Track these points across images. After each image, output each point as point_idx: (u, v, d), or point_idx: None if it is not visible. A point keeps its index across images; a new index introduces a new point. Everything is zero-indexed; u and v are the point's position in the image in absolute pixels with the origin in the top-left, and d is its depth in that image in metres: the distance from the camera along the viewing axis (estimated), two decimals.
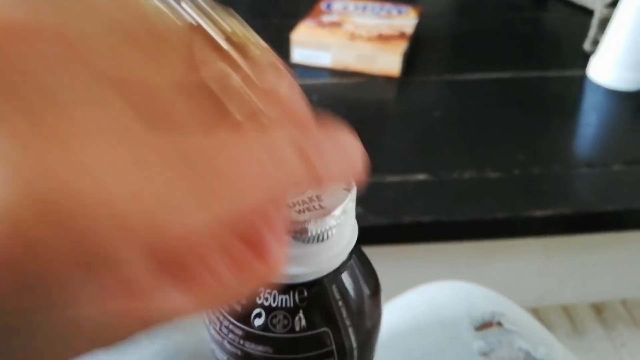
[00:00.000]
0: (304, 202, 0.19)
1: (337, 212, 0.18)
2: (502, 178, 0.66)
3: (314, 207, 0.18)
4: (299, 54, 0.86)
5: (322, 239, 0.18)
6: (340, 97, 0.82)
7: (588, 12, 0.94)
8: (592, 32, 0.90)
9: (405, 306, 0.37)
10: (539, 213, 0.62)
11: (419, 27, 0.92)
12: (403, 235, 0.64)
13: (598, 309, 1.03)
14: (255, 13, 1.02)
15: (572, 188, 0.66)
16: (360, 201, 0.20)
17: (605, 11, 0.85)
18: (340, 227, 0.19)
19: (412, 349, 0.32)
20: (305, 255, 0.19)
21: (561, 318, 1.02)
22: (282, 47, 0.88)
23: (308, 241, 0.18)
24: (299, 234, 0.18)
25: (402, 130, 0.76)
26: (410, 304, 0.37)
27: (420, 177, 0.66)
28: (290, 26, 0.87)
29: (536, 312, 1.00)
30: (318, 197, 0.19)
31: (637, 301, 1.05)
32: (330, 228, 0.18)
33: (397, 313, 0.36)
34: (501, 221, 0.63)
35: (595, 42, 0.87)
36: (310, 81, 0.84)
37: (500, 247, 0.82)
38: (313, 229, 0.18)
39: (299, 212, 0.18)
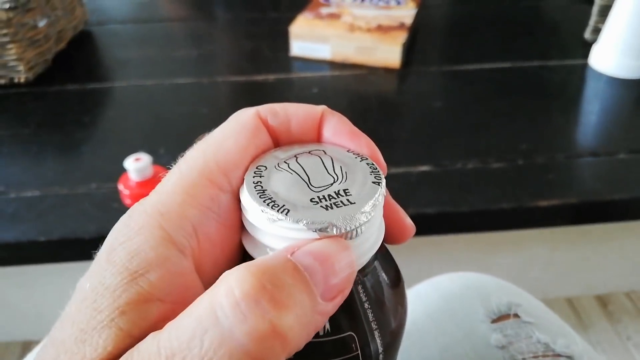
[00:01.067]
0: (330, 196, 0.17)
1: (367, 207, 0.17)
2: (506, 168, 0.66)
3: (342, 202, 0.17)
4: (298, 47, 0.85)
5: (351, 237, 0.17)
6: (341, 89, 0.81)
7: (588, 1, 0.93)
8: (592, 20, 0.89)
9: (416, 297, 0.36)
10: (544, 203, 0.62)
11: (418, 18, 0.91)
12: None
13: (603, 302, 1.03)
14: (254, 6, 1.01)
15: (577, 177, 0.66)
16: None
17: None
18: (369, 223, 0.17)
19: (426, 341, 0.32)
20: None
21: (566, 312, 1.01)
22: (281, 40, 0.87)
23: None
24: (326, 233, 0.16)
25: (404, 122, 0.76)
26: (422, 295, 0.36)
27: (424, 168, 0.66)
28: (289, 19, 0.86)
29: None
30: (346, 192, 0.18)
31: None
32: (360, 225, 0.17)
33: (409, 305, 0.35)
34: (507, 211, 0.62)
35: (596, 31, 0.87)
36: (310, 74, 0.83)
37: (504, 239, 0.82)
38: (342, 227, 0.16)
39: (326, 208, 0.17)
